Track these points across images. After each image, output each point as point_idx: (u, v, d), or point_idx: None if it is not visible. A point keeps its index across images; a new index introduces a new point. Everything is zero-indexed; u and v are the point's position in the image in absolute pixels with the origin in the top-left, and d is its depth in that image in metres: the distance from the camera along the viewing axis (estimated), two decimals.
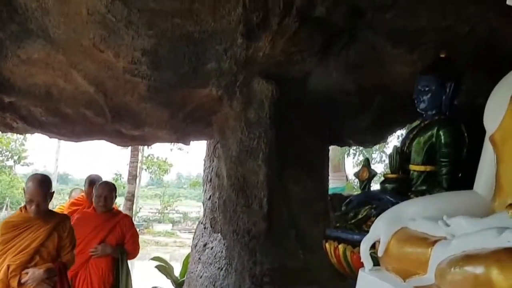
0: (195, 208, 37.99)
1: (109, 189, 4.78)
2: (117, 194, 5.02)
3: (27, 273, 3.71)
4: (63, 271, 3.91)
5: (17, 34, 4.13)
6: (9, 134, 29.73)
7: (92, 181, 5.07)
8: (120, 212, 5.13)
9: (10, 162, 35.49)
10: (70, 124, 5.30)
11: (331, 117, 4.89)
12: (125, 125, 5.16)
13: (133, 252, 4.85)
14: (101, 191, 4.74)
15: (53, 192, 3.96)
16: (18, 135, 30.13)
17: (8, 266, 3.71)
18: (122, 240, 4.73)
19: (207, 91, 4.52)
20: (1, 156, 34.73)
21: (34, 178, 3.92)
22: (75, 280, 4.54)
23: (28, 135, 29.89)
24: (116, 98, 4.77)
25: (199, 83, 4.43)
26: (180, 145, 18.77)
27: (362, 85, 4.69)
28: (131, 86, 4.60)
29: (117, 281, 4.68)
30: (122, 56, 4.18)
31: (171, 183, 50.75)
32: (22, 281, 3.70)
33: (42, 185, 3.81)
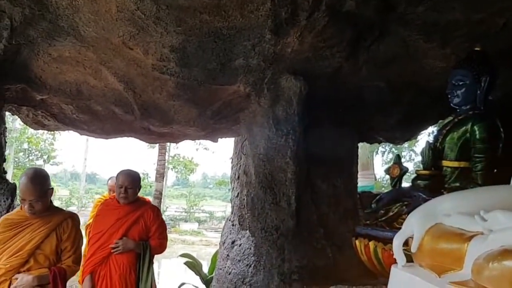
0: (220, 207, 38.19)
1: (130, 179, 4.46)
2: (140, 184, 4.67)
3: (17, 279, 3.38)
4: (59, 278, 3.48)
5: (48, 32, 4.18)
6: (38, 134, 30.26)
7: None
8: (146, 202, 4.82)
9: (39, 162, 36.08)
10: (100, 121, 5.34)
11: (360, 113, 4.83)
12: (153, 122, 5.18)
13: (159, 247, 4.54)
14: (121, 181, 4.44)
15: (51, 188, 3.59)
16: (47, 135, 30.61)
17: None
18: (146, 234, 4.46)
19: (235, 88, 4.51)
20: (31, 156, 35.38)
21: (26, 174, 3.50)
22: (95, 276, 4.34)
23: (57, 135, 30.38)
24: (144, 95, 4.79)
25: (227, 79, 4.42)
26: (206, 144, 18.89)
27: (392, 81, 4.62)
28: (160, 83, 4.62)
29: (139, 278, 4.41)
30: (150, 53, 4.20)
31: (196, 183, 51.02)
32: (12, 287, 3.38)
33: (35, 182, 3.42)
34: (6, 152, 5.29)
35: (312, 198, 4.49)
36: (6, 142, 5.13)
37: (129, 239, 4.35)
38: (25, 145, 32.87)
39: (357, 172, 4.93)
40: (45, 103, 5.13)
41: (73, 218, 3.69)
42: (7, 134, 5.20)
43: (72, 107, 5.12)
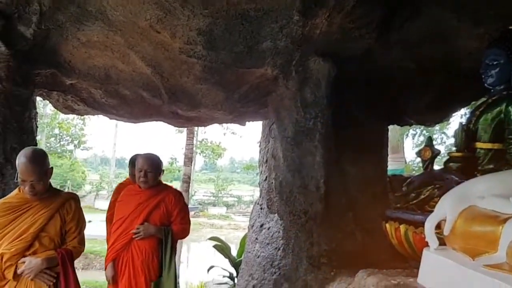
0: (248, 192, 38.38)
1: (150, 162, 4.41)
2: (160, 168, 4.59)
3: (23, 263, 3.30)
4: (67, 260, 3.43)
5: (76, 17, 4.20)
6: (69, 119, 30.73)
7: (134, 160, 4.75)
8: (168, 187, 4.73)
9: (70, 147, 36.75)
10: (128, 105, 5.38)
11: (391, 95, 4.75)
12: (181, 106, 5.19)
13: (181, 232, 4.49)
14: (140, 165, 4.40)
15: (51, 168, 3.46)
16: (78, 120, 31.09)
17: (2, 255, 3.30)
18: (168, 219, 4.42)
19: (262, 71, 4.48)
20: (62, 141, 36.00)
21: (24, 154, 3.33)
22: (117, 262, 4.34)
23: (87, 120, 30.83)
24: (172, 79, 4.79)
25: (254, 62, 4.39)
26: (234, 129, 18.90)
27: (423, 62, 4.51)
28: (187, 67, 4.61)
29: (162, 264, 4.35)
30: (178, 37, 4.19)
31: (224, 167, 51.34)
32: (18, 271, 3.30)
33: (35, 162, 3.30)
34: (38, 137, 5.36)
35: (341, 181, 4.44)
36: (37, 127, 5.20)
37: (150, 224, 4.31)
38: (56, 131, 33.49)
39: (387, 155, 4.86)
40: (75, 87, 5.18)
41: (75, 199, 3.65)
42: (38, 119, 5.26)
43: (101, 91, 5.15)
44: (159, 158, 4.60)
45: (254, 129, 39.83)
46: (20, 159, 3.30)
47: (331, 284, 4.03)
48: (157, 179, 4.49)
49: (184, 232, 4.53)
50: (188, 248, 18.30)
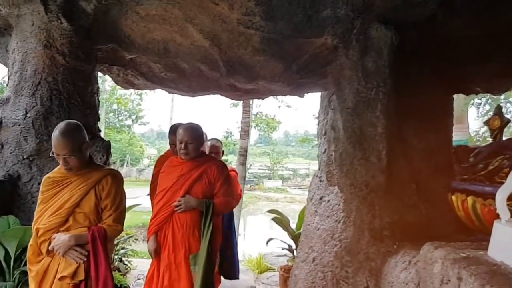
0: (303, 165, 38.41)
1: (190, 133, 4.29)
2: (202, 138, 4.50)
3: (55, 239, 3.29)
4: (98, 238, 3.30)
5: None
6: (127, 95, 31.39)
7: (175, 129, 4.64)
8: (211, 158, 4.65)
9: (128, 122, 37.64)
10: (186, 79, 5.41)
11: (456, 63, 4.55)
12: (239, 78, 5.18)
13: (223, 205, 4.38)
14: (181, 136, 4.29)
15: (87, 142, 3.40)
16: (135, 95, 31.72)
17: (38, 230, 3.33)
18: (210, 192, 4.33)
19: (322, 41, 4.39)
20: (120, 116, 36.89)
21: (57, 128, 3.30)
22: (160, 235, 4.31)
23: (144, 96, 31.43)
24: (230, 51, 4.77)
25: (314, 32, 4.31)
26: (289, 102, 18.76)
27: (491, 28, 4.30)
28: (245, 39, 4.58)
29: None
30: (236, 8, 4.16)
31: (279, 141, 51.38)
32: (50, 248, 3.30)
33: (66, 135, 3.23)
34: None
35: (404, 153, 4.32)
36: (99, 102, 5.31)
37: (192, 197, 4.25)
38: (115, 106, 34.31)
39: (452, 125, 4.69)
40: (134, 62, 5.25)
41: (114, 175, 3.53)
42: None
43: (160, 65, 5.21)
44: (200, 128, 4.48)
45: (309, 102, 39.62)
46: (54, 133, 3.28)
47: (394, 257, 3.95)
48: (198, 150, 4.40)
49: (227, 205, 4.45)
50: (244, 221, 18.52)
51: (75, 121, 3.52)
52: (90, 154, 3.63)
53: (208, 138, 5.72)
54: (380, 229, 4.15)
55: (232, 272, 5.97)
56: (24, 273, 4.33)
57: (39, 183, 4.61)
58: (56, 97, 4.70)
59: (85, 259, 3.30)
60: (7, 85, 5.00)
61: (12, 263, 4.30)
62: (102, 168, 3.59)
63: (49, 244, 3.30)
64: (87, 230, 3.33)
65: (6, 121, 4.68)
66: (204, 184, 4.31)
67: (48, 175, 3.54)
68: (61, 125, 3.31)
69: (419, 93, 4.35)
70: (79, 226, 3.34)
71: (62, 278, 3.25)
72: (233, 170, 6.17)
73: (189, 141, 4.26)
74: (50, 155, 3.40)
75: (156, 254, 4.37)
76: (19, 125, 4.64)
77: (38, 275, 3.30)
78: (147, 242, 4.48)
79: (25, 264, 4.36)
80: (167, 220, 4.28)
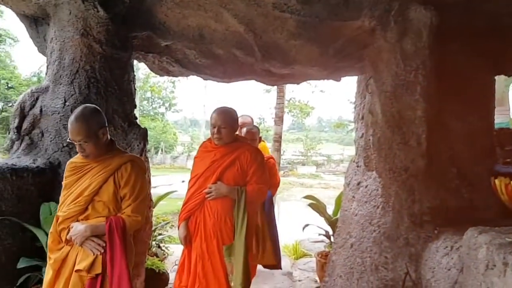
0: (337, 150, 38.22)
1: (224, 117, 4.16)
2: (236, 123, 4.38)
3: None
4: (116, 229, 3.15)
5: None
6: (160, 83, 31.66)
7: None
8: (245, 144, 4.44)
9: (162, 109, 38.06)
10: (221, 65, 5.40)
11: (497, 43, 4.41)
12: (274, 63, 5.14)
13: (256, 193, 4.19)
14: (214, 120, 4.16)
15: (104, 127, 3.27)
16: (168, 83, 32.01)
17: (57, 218, 3.24)
18: (243, 179, 4.18)
19: (358, 23, 4.32)
20: (154, 104, 37.32)
21: (73, 113, 3.20)
22: (191, 222, 4.19)
23: (177, 83, 31.68)
24: (265, 36, 4.74)
25: (350, 14, 4.25)
26: (322, 87, 18.65)
27: None
28: (280, 23, 4.54)
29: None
30: None
31: (312, 126, 51.21)
32: (68, 237, 3.20)
33: (80, 120, 3.12)
34: None
35: (444, 137, 4.23)
36: (135, 89, 5.35)
37: (223, 184, 4.10)
38: (148, 94, 34.69)
39: (494, 108, 4.57)
40: (170, 49, 5.26)
41: (134, 161, 3.35)
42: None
43: (195, 51, 5.21)
44: (234, 112, 4.36)
45: (343, 87, 39.31)
46: (70, 118, 3.19)
47: (435, 242, 3.89)
48: (232, 135, 4.27)
49: (260, 193, 4.25)
50: (278, 208, 18.54)
51: (93, 105, 3.42)
52: (112, 139, 3.55)
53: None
54: (420, 214, 4.09)
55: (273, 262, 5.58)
56: None
57: None
58: (93, 85, 4.75)
59: (103, 251, 3.16)
60: (46, 74, 5.07)
61: None
62: (123, 154, 3.42)
63: (68, 232, 3.20)
64: (101, 219, 3.21)
65: (46, 109, 4.75)
66: (236, 170, 4.17)
67: (71, 159, 3.45)
68: (77, 110, 3.23)
69: (460, 75, 4.25)
70: (98, 215, 3.22)
71: (78, 271, 3.14)
72: (272, 157, 6.11)
73: (222, 126, 4.14)
74: (68, 141, 3.30)
75: (186, 242, 4.26)
76: (58, 113, 4.70)
77: (56, 263, 3.21)
78: (178, 229, 4.40)
79: None
80: (198, 207, 4.16)
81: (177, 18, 4.75)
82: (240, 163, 4.17)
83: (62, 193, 3.36)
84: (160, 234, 7.34)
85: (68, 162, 3.41)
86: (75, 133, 3.12)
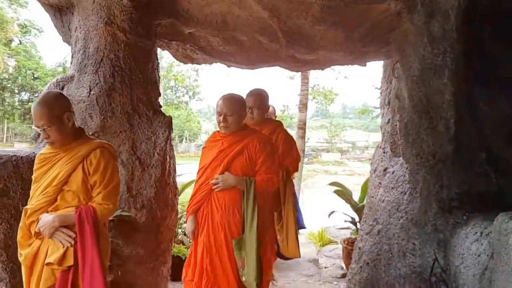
0: (362, 137, 37.96)
1: (229, 105, 3.96)
2: (244, 110, 4.14)
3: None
4: (86, 218, 2.97)
5: None
6: (183, 71, 31.74)
7: None
8: (255, 132, 4.21)
9: (185, 98, 38.19)
10: (245, 51, 5.38)
11: None
12: (299, 49, 5.10)
13: (265, 183, 3.97)
14: (219, 107, 3.97)
15: (69, 112, 3.11)
16: (191, 72, 32.08)
17: (26, 211, 3.10)
18: (251, 169, 3.98)
19: (384, 6, 4.25)
20: (178, 92, 37.48)
21: (38, 97, 3.07)
22: (198, 214, 4.05)
23: (200, 71, 31.78)
24: (289, 21, 4.69)
25: None
26: (346, 73, 18.47)
27: None
28: (305, 8, 4.49)
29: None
30: None
31: (336, 113, 50.93)
32: (36, 229, 3.05)
33: (42, 104, 3.00)
34: None
35: (473, 121, 4.14)
36: (160, 78, 5.36)
37: (230, 174, 3.93)
38: (172, 83, 34.83)
39: None
40: (193, 36, 5.26)
41: (104, 148, 3.18)
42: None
43: (219, 38, 5.19)
44: (241, 99, 4.18)
45: (367, 72, 38.89)
46: (33, 103, 3.05)
47: (464, 228, 3.83)
48: (239, 123, 4.07)
49: (269, 183, 4.03)
50: (303, 195, 18.53)
51: (57, 90, 3.33)
52: (81, 127, 3.43)
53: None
54: (448, 200, 4.03)
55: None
56: None
57: None
58: (118, 74, 4.77)
59: (73, 242, 3.01)
60: (71, 63, 5.10)
61: None
62: (92, 141, 3.25)
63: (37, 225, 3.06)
64: (70, 209, 3.05)
65: (72, 98, 4.76)
66: (245, 160, 3.97)
67: (40, 151, 3.31)
68: (41, 94, 3.14)
69: (489, 57, 4.15)
70: (67, 205, 3.06)
71: (48, 265, 3.01)
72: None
73: (228, 113, 3.94)
74: (33, 127, 3.19)
75: (194, 235, 4.12)
76: (83, 102, 4.74)
77: (27, 259, 3.09)
78: (186, 223, 4.28)
79: None
80: (206, 199, 4.00)
81: (201, 5, 4.73)
82: (249, 152, 3.98)
83: (32, 186, 3.23)
84: (186, 222, 7.36)
85: (37, 154, 3.26)
86: (37, 118, 2.99)
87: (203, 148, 4.34)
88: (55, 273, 3.00)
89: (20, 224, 3.12)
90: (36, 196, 3.11)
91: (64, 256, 2.97)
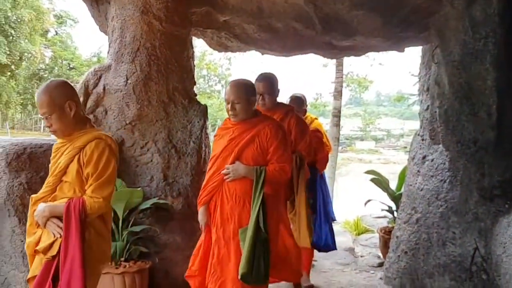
0: (397, 125, 37.48)
1: (236, 91, 3.72)
2: (253, 97, 3.83)
3: None
4: (73, 210, 2.88)
5: None
6: (216, 60, 31.80)
7: None
8: (267, 118, 3.94)
9: (218, 87, 38.26)
10: (281, 39, 5.34)
11: None
12: (335, 35, 5.04)
13: (278, 173, 3.72)
14: (227, 95, 3.77)
15: (72, 101, 3.00)
16: (224, 60, 32.08)
17: (31, 199, 3.09)
18: (263, 158, 3.74)
19: None
20: (210, 81, 37.58)
21: (42, 86, 3.01)
22: (210, 205, 3.85)
23: (233, 60, 31.73)
24: (326, 7, 4.64)
25: None
26: (381, 60, 18.20)
27: None
28: None
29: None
30: None
31: (370, 101, 50.37)
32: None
33: (44, 92, 2.94)
34: None
35: None
36: (194, 66, 5.37)
37: (241, 164, 3.70)
38: (204, 72, 34.92)
39: None
40: (228, 24, 5.24)
41: (101, 139, 3.04)
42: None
43: (254, 26, 5.17)
44: (249, 84, 3.90)
45: (402, 59, 38.28)
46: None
47: (506, 217, 3.75)
48: (249, 109, 3.80)
49: (282, 172, 3.77)
50: (337, 183, 18.44)
51: (61, 79, 3.26)
52: (87, 116, 3.36)
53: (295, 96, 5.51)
54: (490, 188, 3.95)
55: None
56: (132, 233, 4.52)
57: (142, 147, 4.79)
58: (154, 63, 4.79)
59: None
60: (108, 52, 5.15)
61: (120, 224, 4.48)
62: (92, 131, 3.13)
63: None
64: (61, 201, 2.98)
65: (109, 87, 4.83)
66: (256, 149, 3.73)
67: (55, 143, 3.25)
68: (45, 82, 3.07)
69: None
70: (63, 196, 3.00)
71: (36, 252, 2.98)
72: (318, 131, 5.63)
73: (236, 101, 3.70)
74: (39, 116, 3.17)
75: (206, 227, 3.93)
76: (120, 91, 4.78)
77: (29, 248, 3.05)
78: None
79: (133, 225, 4.55)
80: (217, 190, 3.79)
81: None
82: (260, 141, 3.74)
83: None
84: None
85: (54, 145, 3.22)
86: (39, 106, 2.96)
87: (214, 136, 4.16)
88: (42, 262, 2.96)
89: (29, 212, 3.09)
90: (43, 186, 3.10)
91: (50, 245, 2.92)
